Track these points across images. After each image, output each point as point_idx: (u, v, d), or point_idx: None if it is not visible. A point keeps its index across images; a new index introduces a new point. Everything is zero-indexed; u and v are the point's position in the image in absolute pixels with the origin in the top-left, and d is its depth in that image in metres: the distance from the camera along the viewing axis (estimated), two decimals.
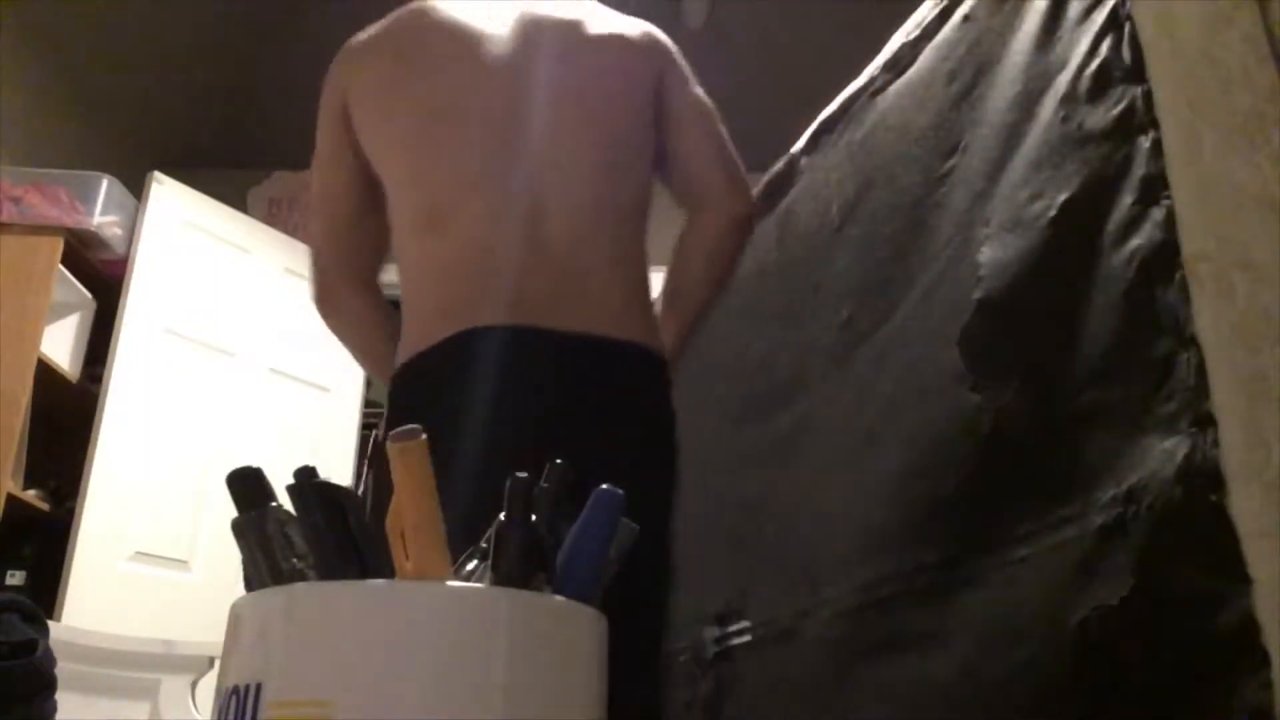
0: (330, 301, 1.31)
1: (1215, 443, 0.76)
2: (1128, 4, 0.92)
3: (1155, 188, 0.86)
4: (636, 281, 1.21)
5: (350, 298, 1.30)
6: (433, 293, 1.18)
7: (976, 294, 1.08)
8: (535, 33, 1.26)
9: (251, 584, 0.65)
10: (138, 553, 2.83)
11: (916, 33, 1.33)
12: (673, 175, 1.30)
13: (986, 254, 1.08)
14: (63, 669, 1.19)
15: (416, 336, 1.17)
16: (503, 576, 0.62)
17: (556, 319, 1.14)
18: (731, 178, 1.29)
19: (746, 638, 1.52)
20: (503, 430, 1.07)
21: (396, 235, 1.24)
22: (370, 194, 1.27)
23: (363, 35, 1.31)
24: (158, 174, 3.12)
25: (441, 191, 1.19)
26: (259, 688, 0.55)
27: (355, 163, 1.27)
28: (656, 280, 1.31)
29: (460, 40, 1.24)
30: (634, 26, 1.33)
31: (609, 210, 1.21)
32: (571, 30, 1.27)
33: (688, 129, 1.29)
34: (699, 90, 1.32)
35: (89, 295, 2.91)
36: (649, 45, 1.30)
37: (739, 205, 1.29)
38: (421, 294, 1.19)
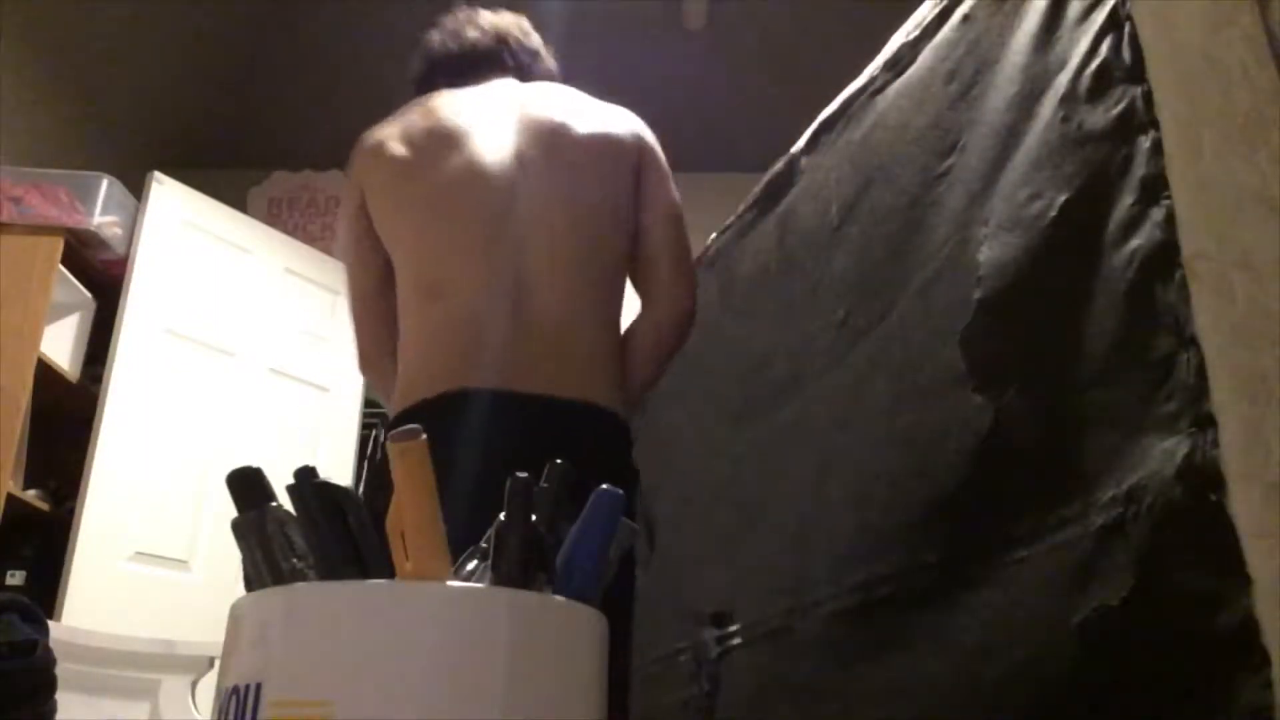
0: (365, 362, 1.50)
1: (1215, 443, 0.76)
2: (1128, 4, 0.92)
3: (1155, 188, 0.86)
4: (609, 351, 1.36)
5: (381, 359, 1.45)
6: (427, 355, 1.33)
7: (977, 294, 1.08)
8: (528, 131, 1.42)
9: (251, 584, 0.65)
10: (138, 553, 2.83)
11: (916, 33, 1.33)
12: (635, 267, 1.44)
13: (986, 254, 1.08)
14: (63, 669, 1.19)
15: (409, 392, 1.32)
16: (503, 576, 0.62)
17: (535, 384, 1.28)
18: (682, 277, 1.43)
19: (744, 638, 1.52)
20: (480, 478, 1.12)
21: (400, 304, 1.40)
22: (390, 269, 1.43)
23: (379, 130, 1.47)
24: (158, 174, 3.12)
25: (439, 268, 1.36)
26: (259, 688, 0.55)
27: (375, 243, 1.43)
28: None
29: (461, 137, 1.41)
30: (619, 123, 1.47)
31: (588, 288, 1.36)
32: (561, 129, 1.42)
33: (654, 231, 1.43)
34: (671, 191, 1.46)
35: (89, 295, 2.91)
36: (631, 143, 1.45)
37: (684, 301, 1.41)
38: (418, 355, 1.35)
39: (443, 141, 1.41)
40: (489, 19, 1.60)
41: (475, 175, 1.37)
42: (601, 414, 1.30)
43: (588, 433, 1.29)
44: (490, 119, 1.43)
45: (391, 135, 1.44)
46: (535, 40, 1.61)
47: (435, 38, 1.61)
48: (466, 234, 1.36)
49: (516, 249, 1.34)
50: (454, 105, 1.46)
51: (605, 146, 1.42)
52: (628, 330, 1.42)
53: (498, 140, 1.40)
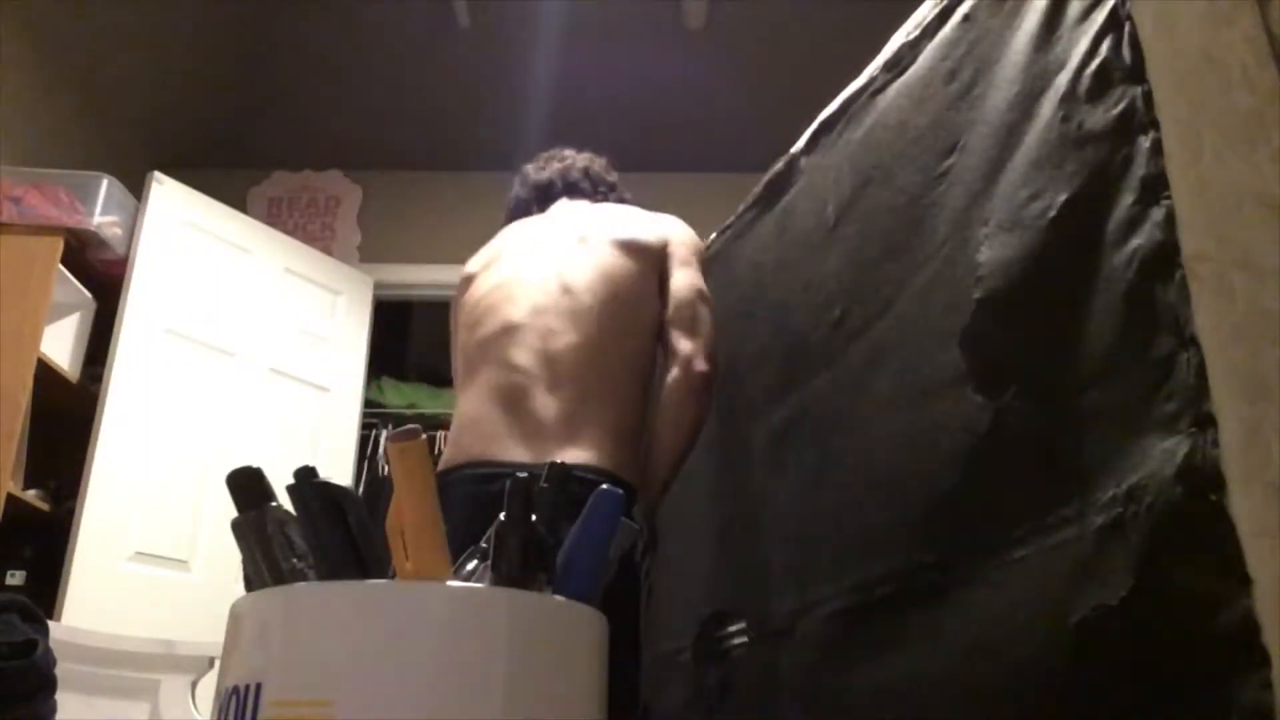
0: None
1: (1215, 443, 0.76)
2: (1128, 4, 0.92)
3: (1155, 188, 0.86)
4: (622, 427, 1.54)
5: None
6: (455, 434, 1.59)
7: (976, 294, 1.08)
8: (571, 244, 1.68)
9: (251, 584, 0.65)
10: (138, 553, 2.83)
11: (916, 33, 1.33)
12: (664, 339, 1.65)
13: (985, 254, 1.08)
14: (63, 669, 1.19)
15: (449, 456, 1.56)
16: (503, 576, 0.62)
17: (547, 456, 1.44)
18: (698, 345, 1.59)
19: (744, 638, 1.52)
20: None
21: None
22: None
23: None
24: (158, 174, 3.12)
25: (473, 360, 1.63)
26: (259, 688, 0.55)
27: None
28: None
29: (511, 254, 1.72)
30: (651, 229, 1.69)
31: (604, 375, 1.56)
32: (597, 241, 1.66)
33: (674, 313, 1.63)
34: (690, 278, 1.66)
35: (89, 295, 2.91)
36: (657, 247, 1.67)
37: (700, 366, 1.58)
38: (451, 433, 1.61)
39: (497, 257, 1.73)
40: (576, 158, 1.90)
41: (511, 284, 1.65)
42: (609, 478, 1.43)
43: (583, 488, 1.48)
44: (542, 237, 1.73)
45: (476, 256, 1.79)
46: (614, 177, 1.91)
47: (529, 170, 1.92)
48: (490, 334, 1.61)
49: (544, 345, 1.57)
50: (522, 227, 1.79)
51: (633, 252, 1.65)
52: (657, 396, 1.60)
53: (540, 254, 1.68)
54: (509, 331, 1.59)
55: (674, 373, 1.57)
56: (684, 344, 1.58)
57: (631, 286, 1.62)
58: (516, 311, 1.61)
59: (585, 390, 1.53)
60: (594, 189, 1.87)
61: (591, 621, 0.64)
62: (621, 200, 1.88)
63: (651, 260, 1.65)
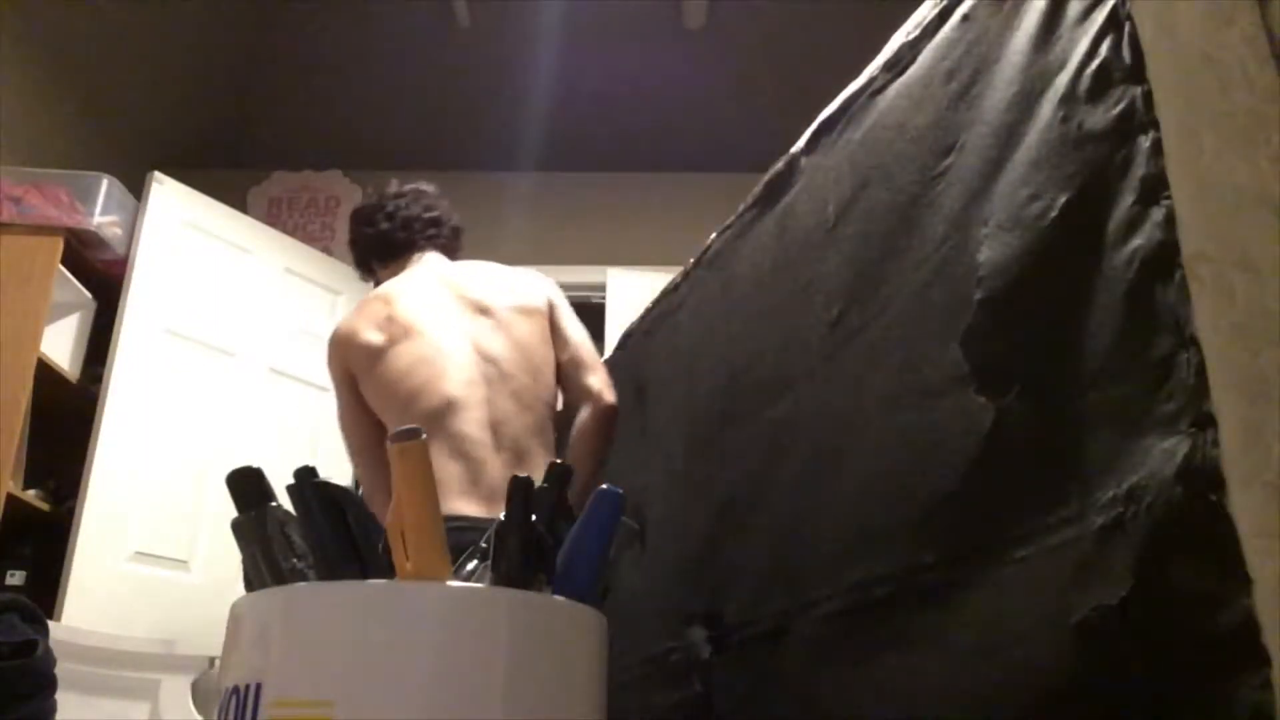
0: (366, 498, 2.03)
1: (1215, 443, 0.76)
2: (1128, 4, 0.92)
3: (1155, 188, 0.86)
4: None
5: (377, 494, 1.77)
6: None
7: (977, 294, 1.08)
8: (465, 311, 1.86)
9: (251, 584, 0.65)
10: (138, 553, 2.83)
11: (916, 33, 1.33)
12: (564, 383, 1.87)
13: (985, 254, 1.08)
14: (63, 669, 1.19)
15: None
16: (503, 576, 0.62)
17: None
18: (602, 380, 1.82)
19: (737, 638, 1.52)
20: None
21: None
22: (379, 425, 1.82)
23: (349, 322, 1.89)
24: (158, 174, 3.12)
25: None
26: (259, 688, 0.55)
27: (365, 408, 1.84)
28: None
29: (416, 324, 1.83)
30: (532, 291, 1.93)
31: (536, 433, 1.77)
32: (490, 309, 1.87)
33: (571, 357, 1.87)
34: (576, 324, 1.92)
35: (89, 295, 2.91)
36: (542, 306, 1.91)
37: (609, 397, 1.81)
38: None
39: (402, 330, 1.83)
40: (411, 204, 2.06)
41: (434, 360, 1.79)
42: None
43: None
44: (440, 307, 1.87)
45: (362, 325, 1.87)
46: (438, 211, 2.08)
47: (372, 209, 2.08)
48: (433, 410, 1.74)
49: (477, 418, 1.74)
50: (404, 295, 1.90)
51: (530, 315, 1.88)
52: (574, 429, 1.79)
53: (449, 327, 1.83)
54: (450, 406, 1.74)
55: (588, 408, 1.79)
56: (592, 380, 1.81)
57: (537, 347, 1.85)
58: (451, 387, 1.76)
59: (526, 450, 1.74)
60: (428, 235, 2.05)
61: (591, 621, 0.64)
62: (456, 231, 2.09)
63: (544, 316, 1.90)
